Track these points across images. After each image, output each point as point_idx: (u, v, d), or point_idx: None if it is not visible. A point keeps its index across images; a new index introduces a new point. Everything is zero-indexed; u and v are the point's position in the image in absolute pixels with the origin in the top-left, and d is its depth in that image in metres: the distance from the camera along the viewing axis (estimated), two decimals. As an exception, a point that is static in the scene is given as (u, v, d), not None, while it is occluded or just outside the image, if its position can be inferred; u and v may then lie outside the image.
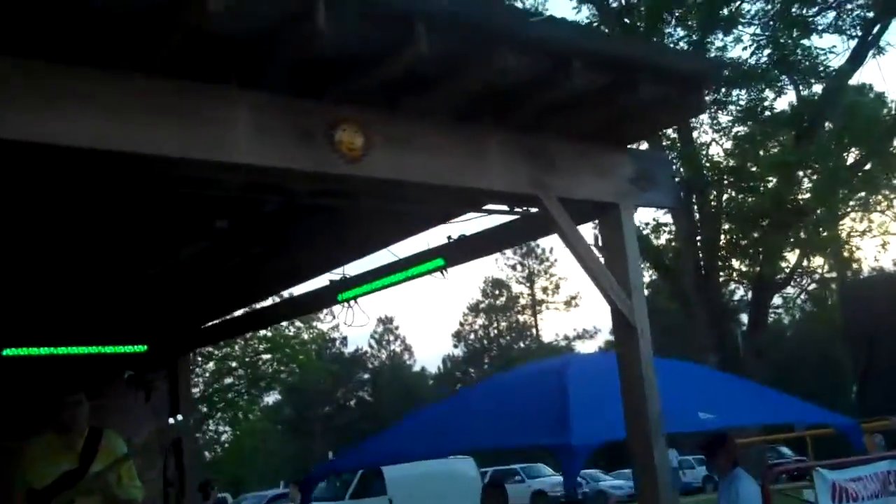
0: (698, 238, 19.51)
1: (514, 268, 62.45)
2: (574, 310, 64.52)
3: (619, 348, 5.52)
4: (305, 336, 48.74)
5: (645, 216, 21.70)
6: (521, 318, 64.71)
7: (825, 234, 19.63)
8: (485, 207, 5.83)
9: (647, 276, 21.61)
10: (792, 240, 18.87)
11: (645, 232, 20.67)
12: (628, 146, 5.80)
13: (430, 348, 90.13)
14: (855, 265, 57.19)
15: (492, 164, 4.98)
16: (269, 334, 42.33)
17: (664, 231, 20.80)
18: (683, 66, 5.32)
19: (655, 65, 5.03)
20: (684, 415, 6.90)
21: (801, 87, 19.85)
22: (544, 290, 61.67)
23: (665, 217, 20.36)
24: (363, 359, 68.70)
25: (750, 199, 19.00)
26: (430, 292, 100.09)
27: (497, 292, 64.25)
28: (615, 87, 4.96)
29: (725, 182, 20.56)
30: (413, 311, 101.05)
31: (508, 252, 61.90)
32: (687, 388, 7.54)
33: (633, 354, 5.36)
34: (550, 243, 56.74)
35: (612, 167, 5.54)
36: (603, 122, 5.32)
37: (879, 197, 55.06)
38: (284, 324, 41.98)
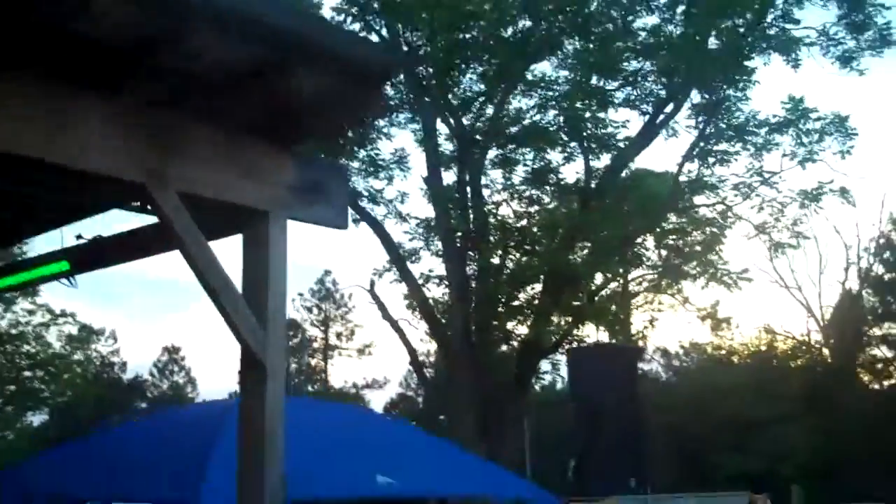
0: (472, 296, 18.98)
1: (309, 310, 61.07)
2: (366, 358, 63.35)
3: (244, 394, 4.47)
4: (77, 356, 45.79)
5: (422, 267, 21.01)
6: (312, 361, 63.15)
7: (596, 304, 19.48)
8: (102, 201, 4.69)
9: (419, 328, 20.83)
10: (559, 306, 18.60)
11: (420, 282, 20.01)
12: (297, 148, 4.80)
13: (218, 382, 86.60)
14: (639, 339, 59.50)
15: (92, 139, 3.88)
16: (34, 349, 39.65)
17: (437, 283, 20.16)
18: (355, 53, 4.36)
19: (319, 46, 4.09)
20: (355, 476, 6.01)
21: (590, 156, 19.76)
22: (338, 335, 60.46)
23: (440, 269, 19.78)
24: (143, 386, 65.27)
25: (529, 261, 18.64)
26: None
27: (291, 333, 62.59)
28: (266, 67, 3.99)
29: (511, 243, 20.24)
30: (204, 342, 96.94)
31: (306, 293, 60.51)
32: (371, 446, 6.69)
33: (258, 401, 4.32)
34: (350, 290, 55.62)
35: (267, 169, 4.53)
36: (258, 111, 4.32)
37: (668, 280, 57.10)
38: (53, 340, 39.59)
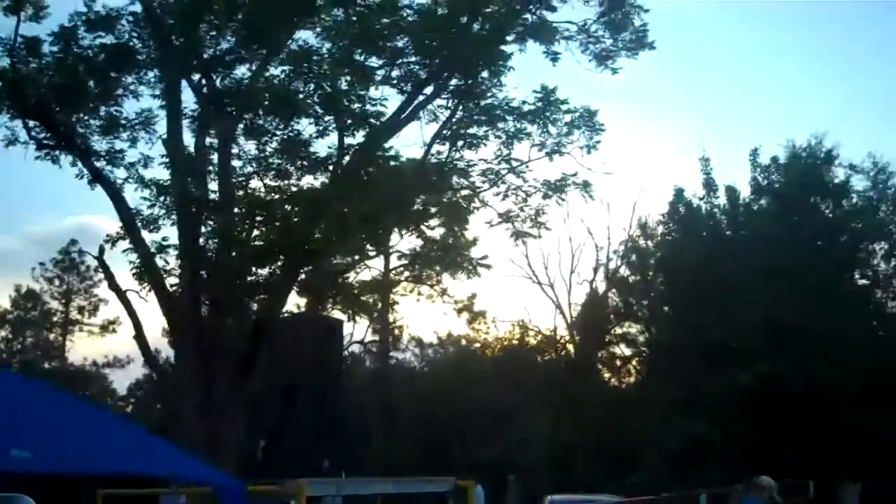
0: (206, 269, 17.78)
1: (51, 281, 56.68)
2: (110, 335, 59.56)
3: None
4: None
5: (155, 236, 19.55)
6: (50, 335, 58.80)
7: (342, 286, 18.78)
8: None
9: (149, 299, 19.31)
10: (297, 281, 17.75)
11: (153, 250, 18.59)
12: None
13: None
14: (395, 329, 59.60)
15: None
16: None
17: (169, 252, 18.78)
18: None
19: None
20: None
21: (345, 132, 19.02)
22: (80, 309, 56.51)
23: (174, 239, 18.44)
24: None
25: (269, 235, 17.65)
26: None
27: (29, 304, 58.00)
28: None
29: (259, 217, 19.17)
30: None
31: (49, 264, 56.24)
32: (13, 417, 5.67)
33: None
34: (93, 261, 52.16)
35: None
36: None
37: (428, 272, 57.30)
38: None
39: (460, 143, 18.29)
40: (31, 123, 18.92)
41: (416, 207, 17.87)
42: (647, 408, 36.07)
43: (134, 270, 18.70)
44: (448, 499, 9.63)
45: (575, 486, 37.69)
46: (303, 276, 18.16)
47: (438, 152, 18.55)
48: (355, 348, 59.76)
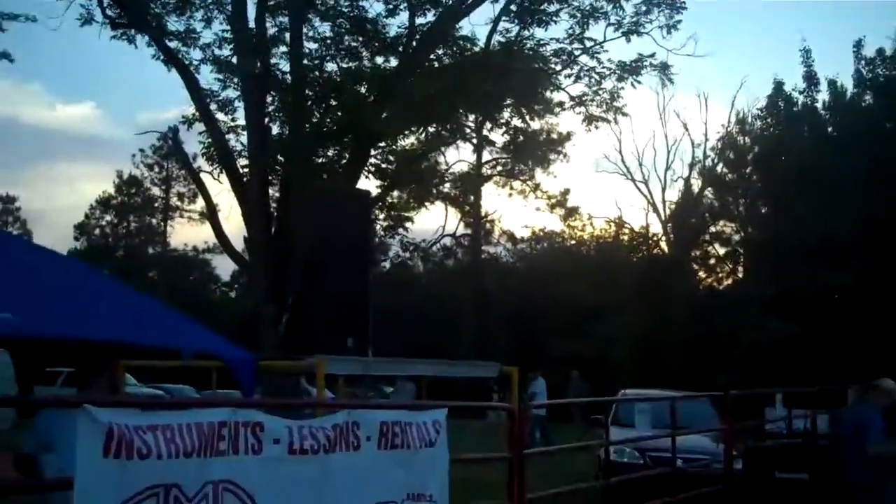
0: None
1: (151, 167, 57.91)
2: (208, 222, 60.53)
3: None
4: None
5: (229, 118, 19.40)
6: (153, 220, 60.43)
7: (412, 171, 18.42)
8: None
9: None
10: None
11: (225, 132, 18.49)
12: None
13: (50, 237, 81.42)
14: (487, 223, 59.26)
15: None
16: None
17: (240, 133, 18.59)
18: None
19: None
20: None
21: (416, 10, 18.38)
22: (180, 196, 57.69)
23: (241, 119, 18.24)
24: None
25: (335, 115, 17.27)
26: (65, 175, 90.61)
27: (133, 190, 59.50)
28: None
29: (330, 99, 18.82)
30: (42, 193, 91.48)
31: (148, 150, 57.35)
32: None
33: None
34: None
35: None
36: None
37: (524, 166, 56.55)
38: None
39: (529, 20, 17.34)
40: (105, 1, 18.82)
41: (486, 89, 17.03)
42: (740, 307, 35.18)
43: (204, 151, 18.68)
44: (493, 386, 9.30)
45: (661, 384, 37.28)
46: (373, 159, 17.79)
47: (507, 30, 17.72)
48: (447, 241, 59.87)
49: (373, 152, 17.98)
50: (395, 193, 19.62)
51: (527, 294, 53.67)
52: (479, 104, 17.61)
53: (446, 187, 24.37)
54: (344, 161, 17.40)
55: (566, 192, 53.45)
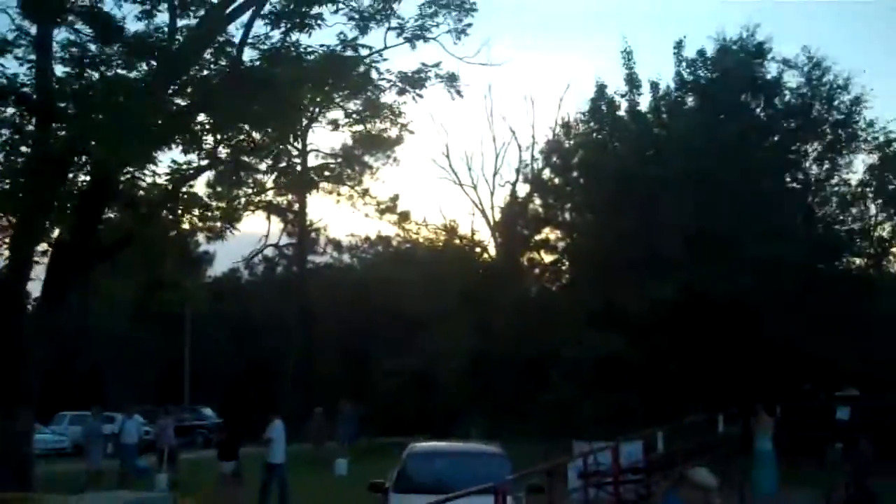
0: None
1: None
2: None
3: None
4: None
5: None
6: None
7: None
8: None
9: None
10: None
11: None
12: None
13: None
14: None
15: None
16: None
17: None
18: None
19: None
20: None
21: (177, 11, 15.47)
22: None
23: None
24: None
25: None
26: None
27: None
28: None
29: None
30: None
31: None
32: None
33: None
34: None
35: None
36: None
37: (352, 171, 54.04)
38: None
39: (288, 24, 14.65)
40: None
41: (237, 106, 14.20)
42: (564, 321, 33.82)
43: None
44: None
45: (485, 403, 35.74)
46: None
47: (266, 36, 14.99)
48: (269, 252, 56.87)
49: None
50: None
51: (355, 306, 51.46)
52: (231, 122, 14.74)
53: (269, 195, 21.70)
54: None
55: (395, 197, 51.54)
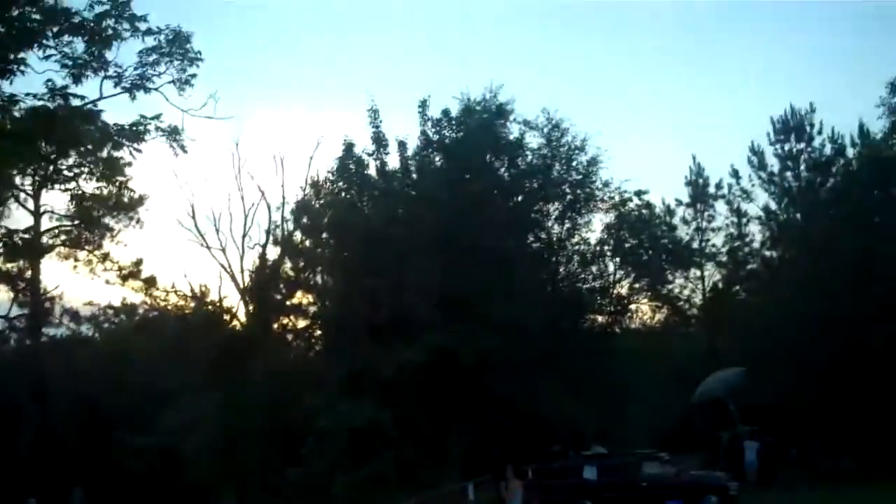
0: None
1: None
2: None
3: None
4: None
5: None
6: None
7: None
8: None
9: None
10: None
11: None
12: None
13: None
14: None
15: None
16: None
17: None
18: None
19: None
20: None
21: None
22: None
23: None
24: None
25: None
26: None
27: None
28: None
29: None
30: None
31: None
32: None
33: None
34: None
35: None
36: None
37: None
38: None
39: None
40: None
41: None
42: (317, 388, 32.53)
43: None
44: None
45: (235, 479, 33.88)
46: None
47: None
48: (-1, 324, 51.98)
49: None
50: None
51: (96, 380, 47.85)
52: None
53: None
54: None
55: (139, 261, 48.26)
